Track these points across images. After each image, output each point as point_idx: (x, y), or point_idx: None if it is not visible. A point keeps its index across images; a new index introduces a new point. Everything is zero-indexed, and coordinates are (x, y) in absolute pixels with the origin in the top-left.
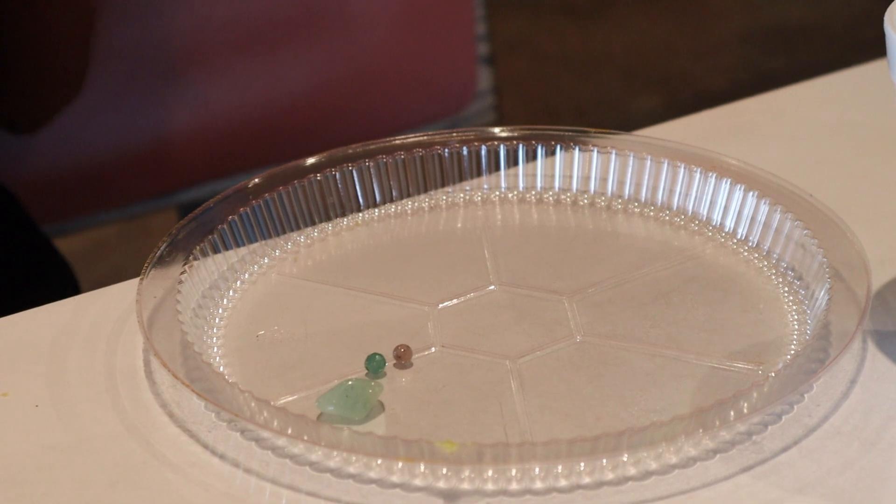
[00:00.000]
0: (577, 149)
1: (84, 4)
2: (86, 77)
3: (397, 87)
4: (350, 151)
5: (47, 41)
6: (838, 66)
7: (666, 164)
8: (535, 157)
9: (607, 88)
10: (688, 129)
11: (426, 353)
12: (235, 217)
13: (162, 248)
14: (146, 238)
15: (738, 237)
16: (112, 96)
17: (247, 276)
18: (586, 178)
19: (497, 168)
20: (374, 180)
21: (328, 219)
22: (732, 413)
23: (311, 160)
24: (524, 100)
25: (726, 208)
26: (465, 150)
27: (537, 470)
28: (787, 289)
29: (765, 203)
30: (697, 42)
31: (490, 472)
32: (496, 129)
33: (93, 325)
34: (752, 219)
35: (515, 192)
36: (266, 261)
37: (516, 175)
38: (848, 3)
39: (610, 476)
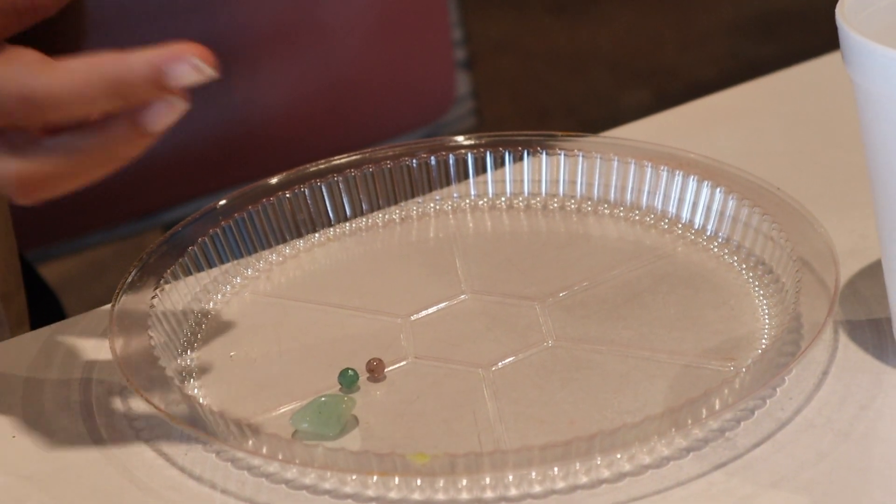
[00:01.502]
0: (544, 153)
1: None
2: None
3: (376, 96)
4: (319, 167)
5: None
6: (827, 51)
7: (633, 164)
8: (503, 164)
9: (596, 84)
10: (675, 122)
11: (399, 365)
12: (206, 238)
13: (133, 274)
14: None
15: (708, 233)
16: None
17: (220, 296)
18: (555, 182)
19: (466, 176)
20: (343, 194)
21: (299, 235)
22: (704, 411)
23: (276, 178)
24: (513, 100)
25: (695, 205)
26: (433, 160)
27: (511, 477)
28: (757, 283)
29: (732, 198)
30: (685, 33)
31: (464, 482)
32: (461, 138)
33: (68, 352)
34: (721, 214)
35: (485, 200)
36: (238, 280)
37: (485, 182)
38: None
39: (584, 480)
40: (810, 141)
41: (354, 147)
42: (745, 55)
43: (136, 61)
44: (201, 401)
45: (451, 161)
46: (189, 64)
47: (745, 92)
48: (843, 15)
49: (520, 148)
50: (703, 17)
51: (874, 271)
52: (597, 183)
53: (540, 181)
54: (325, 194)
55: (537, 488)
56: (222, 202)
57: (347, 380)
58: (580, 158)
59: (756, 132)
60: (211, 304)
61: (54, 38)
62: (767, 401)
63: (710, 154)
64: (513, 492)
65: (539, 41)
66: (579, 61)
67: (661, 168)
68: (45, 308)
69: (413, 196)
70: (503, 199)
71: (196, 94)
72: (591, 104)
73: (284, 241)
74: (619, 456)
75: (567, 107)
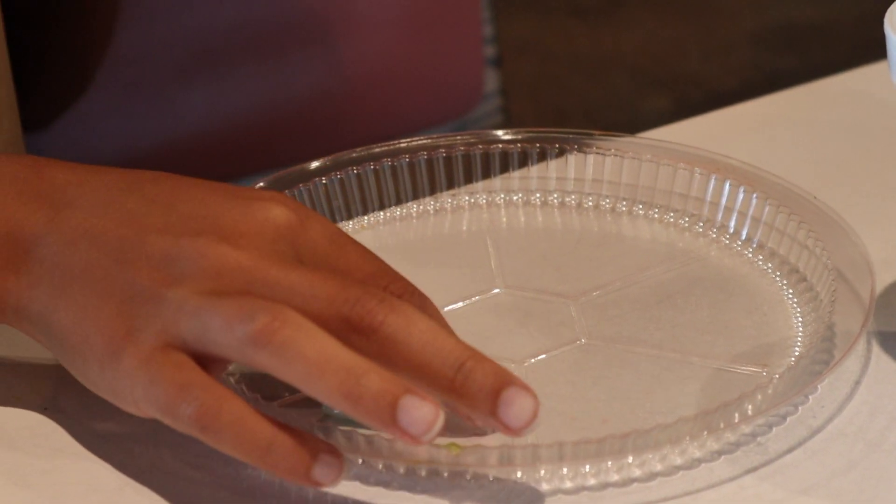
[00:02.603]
0: (581, 151)
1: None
2: (95, 72)
3: (404, 89)
4: (354, 155)
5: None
6: (848, 65)
7: (670, 166)
8: (539, 160)
9: (616, 89)
10: (696, 130)
11: None
12: None
13: None
14: None
15: (743, 239)
16: (118, 100)
17: None
18: (590, 181)
19: (502, 171)
20: (378, 184)
21: (333, 222)
22: (737, 415)
23: (314, 164)
24: (533, 101)
25: (730, 210)
26: (470, 153)
27: (542, 472)
28: (791, 290)
29: (769, 205)
30: (707, 42)
31: (494, 475)
32: (500, 132)
33: None
34: (757, 220)
35: (520, 195)
36: None
37: (521, 178)
38: (857, 2)
39: (615, 478)
40: (840, 153)
41: (380, 139)
42: (767, 66)
43: (487, 361)
44: (232, 380)
45: (487, 155)
46: (527, 404)
47: (770, 103)
48: (892, 24)
49: (557, 145)
50: (725, 27)
51: None
52: (632, 183)
53: (575, 179)
54: (360, 182)
55: (568, 484)
56: (259, 185)
57: None
58: (616, 158)
59: (781, 143)
60: None
61: (87, 17)
62: (800, 408)
63: (748, 160)
64: (544, 487)
65: (561, 43)
66: (600, 65)
67: (698, 171)
68: None
69: (448, 188)
70: (538, 195)
71: (224, 79)
72: (610, 109)
73: None
74: (651, 456)
75: (585, 110)
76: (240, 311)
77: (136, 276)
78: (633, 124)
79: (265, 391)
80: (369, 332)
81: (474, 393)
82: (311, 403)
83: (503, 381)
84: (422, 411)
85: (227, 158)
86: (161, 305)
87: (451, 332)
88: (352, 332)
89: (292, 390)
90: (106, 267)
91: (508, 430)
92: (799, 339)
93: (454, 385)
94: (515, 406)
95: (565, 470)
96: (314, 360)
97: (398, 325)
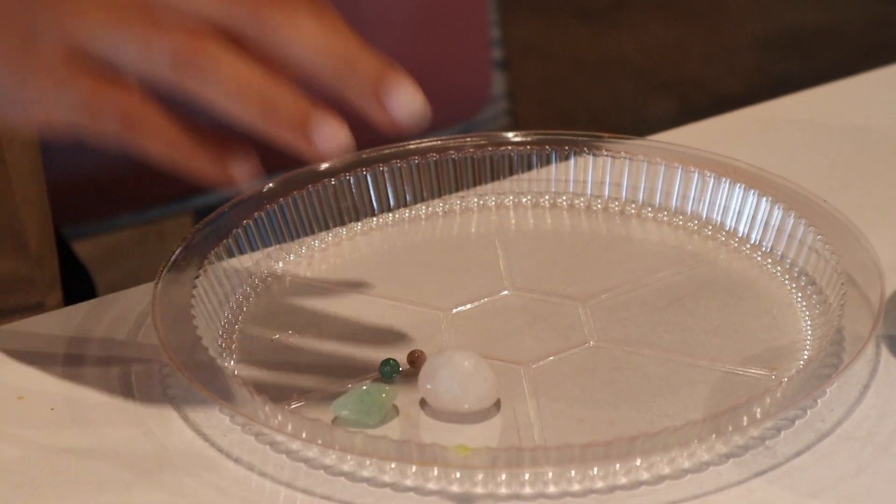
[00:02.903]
0: (590, 154)
1: None
2: None
3: None
4: (364, 156)
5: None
6: (853, 69)
7: (679, 169)
8: (548, 162)
9: (621, 92)
10: (702, 134)
11: None
12: (250, 221)
13: (177, 253)
14: (160, 243)
15: (752, 242)
16: None
17: (261, 280)
18: (599, 183)
19: (511, 173)
20: (388, 184)
21: (343, 223)
22: (746, 418)
23: (325, 164)
24: (538, 104)
25: (740, 213)
26: (479, 155)
27: (550, 474)
28: (800, 294)
29: (778, 208)
30: (712, 46)
31: (503, 477)
32: (510, 134)
33: (109, 328)
34: (766, 223)
35: (529, 197)
36: (280, 265)
37: (530, 180)
38: (862, 7)
39: (623, 480)
40: (847, 158)
41: (389, 141)
42: (771, 70)
43: (371, 58)
44: (242, 382)
45: (496, 157)
46: (410, 96)
47: (776, 107)
48: None
49: (566, 147)
50: (730, 31)
51: None
52: (642, 186)
53: (584, 181)
54: (370, 183)
55: (576, 486)
56: (269, 185)
57: (389, 370)
58: (626, 161)
59: (788, 147)
60: (253, 286)
61: None
62: (808, 411)
63: (757, 164)
64: (552, 489)
65: (566, 47)
66: (605, 69)
67: (708, 174)
68: (77, 281)
69: (457, 190)
70: (547, 197)
71: None
72: (614, 112)
73: (328, 227)
74: (659, 459)
75: (590, 113)
76: (157, 29)
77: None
78: (638, 127)
79: (272, 394)
80: (258, 25)
81: (361, 84)
82: (320, 406)
83: (387, 74)
84: (332, 127)
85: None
86: (65, 23)
87: (338, 30)
88: (246, 25)
89: (300, 394)
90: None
91: (393, 121)
92: (808, 342)
93: (340, 76)
94: (402, 97)
95: (573, 472)
96: (233, 80)
97: (285, 19)
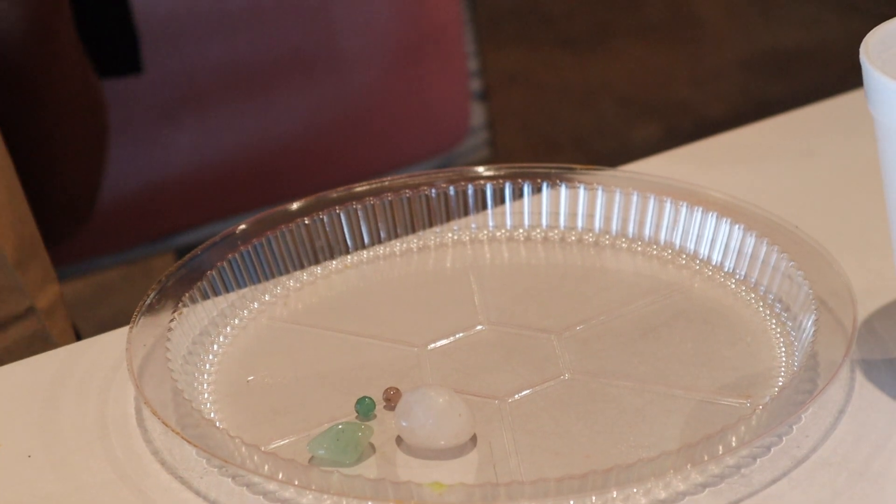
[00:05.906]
0: (563, 186)
1: (97, 122)
2: (96, 200)
3: (391, 125)
4: (335, 195)
5: (61, 163)
6: (838, 88)
7: (652, 199)
8: (521, 195)
9: (606, 118)
10: (683, 160)
11: None
12: (224, 263)
13: (151, 296)
14: (148, 281)
15: (726, 270)
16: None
17: (237, 321)
18: (573, 215)
19: (484, 207)
20: (362, 222)
21: (317, 262)
22: (721, 447)
23: (296, 204)
24: (523, 132)
25: (713, 242)
26: (451, 190)
27: None
28: (774, 321)
29: (751, 235)
30: (696, 69)
31: None
32: (481, 169)
33: (85, 374)
34: (739, 251)
35: (503, 231)
36: (256, 305)
37: (504, 213)
38: (846, 26)
39: None
40: (825, 180)
41: (369, 175)
42: (756, 92)
43: None
44: (218, 424)
45: (469, 191)
46: None
47: (758, 130)
48: (867, 54)
49: (539, 180)
50: (714, 54)
51: (891, 311)
52: (615, 217)
53: (558, 214)
54: (343, 221)
55: None
56: (242, 227)
57: (364, 408)
58: (599, 192)
59: (769, 171)
60: (228, 328)
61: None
62: (783, 438)
63: (728, 190)
64: None
65: (550, 74)
66: (589, 95)
67: (680, 204)
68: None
69: (431, 226)
70: (521, 230)
71: (211, 118)
72: (600, 138)
73: (302, 267)
74: (635, 490)
75: (576, 140)
76: None
77: None
78: (623, 153)
79: (249, 435)
80: None
81: None
82: (297, 445)
83: None
84: None
85: (216, 198)
86: None
87: None
88: None
89: (277, 435)
90: None
91: None
92: (782, 368)
93: None
94: None
95: None
96: None
97: None
